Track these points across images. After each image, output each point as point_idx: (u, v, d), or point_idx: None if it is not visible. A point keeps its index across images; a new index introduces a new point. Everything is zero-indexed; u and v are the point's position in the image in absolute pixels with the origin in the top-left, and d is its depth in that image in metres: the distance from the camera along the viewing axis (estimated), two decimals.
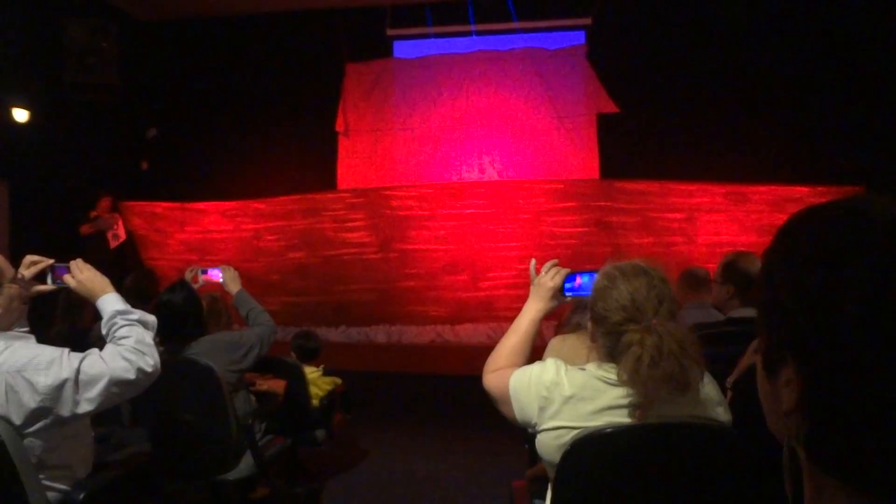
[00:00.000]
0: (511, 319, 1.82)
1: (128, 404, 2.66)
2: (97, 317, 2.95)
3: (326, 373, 3.74)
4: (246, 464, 2.78)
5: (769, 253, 0.55)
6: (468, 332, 6.31)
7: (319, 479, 3.75)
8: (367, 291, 6.59)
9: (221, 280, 3.16)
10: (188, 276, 3.17)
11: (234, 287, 3.14)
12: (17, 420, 1.70)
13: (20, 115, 6.13)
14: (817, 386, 0.47)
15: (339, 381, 3.75)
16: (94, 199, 6.65)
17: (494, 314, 6.29)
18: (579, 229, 6.30)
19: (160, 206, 7.08)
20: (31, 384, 1.69)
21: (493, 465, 3.90)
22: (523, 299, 1.84)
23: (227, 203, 7.07)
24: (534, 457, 2.40)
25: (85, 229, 6.51)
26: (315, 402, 3.47)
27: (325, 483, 3.70)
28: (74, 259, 2.01)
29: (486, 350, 1.79)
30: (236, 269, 3.24)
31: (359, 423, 4.47)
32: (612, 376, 1.46)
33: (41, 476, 1.80)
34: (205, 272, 3.20)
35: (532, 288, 1.83)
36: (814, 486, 0.50)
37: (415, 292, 6.53)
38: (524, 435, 2.59)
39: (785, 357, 0.50)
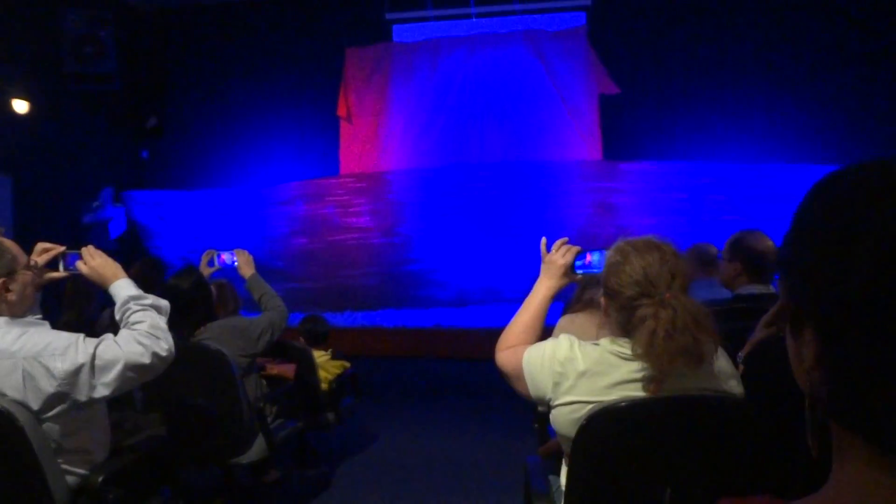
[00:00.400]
0: (517, 302, 1.83)
1: (140, 390, 2.67)
2: (105, 305, 2.97)
3: (335, 356, 3.76)
4: (258, 447, 2.80)
5: (794, 215, 0.55)
6: (474, 316, 6.33)
7: (330, 461, 3.78)
8: (371, 276, 6.61)
9: (236, 263, 3.18)
10: (205, 259, 3.19)
11: (248, 271, 3.16)
12: (35, 405, 1.72)
13: (20, 105, 6.11)
14: (831, 349, 0.48)
15: (347, 364, 3.77)
16: (95, 189, 6.65)
17: (500, 297, 6.30)
18: (582, 210, 6.30)
19: (162, 195, 7.08)
20: (48, 370, 1.70)
21: (503, 444, 3.93)
22: (529, 281, 1.85)
23: (229, 190, 7.07)
24: (545, 434, 2.43)
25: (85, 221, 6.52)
26: (324, 385, 3.49)
27: (336, 465, 3.73)
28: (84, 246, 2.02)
29: (492, 333, 1.79)
30: None
31: (368, 406, 4.49)
32: (627, 351, 1.47)
33: (60, 461, 1.81)
34: (220, 255, 3.22)
35: (543, 266, 1.84)
36: (838, 442, 0.51)
37: (419, 276, 6.54)
38: (534, 414, 2.61)
39: (805, 318, 0.51)
